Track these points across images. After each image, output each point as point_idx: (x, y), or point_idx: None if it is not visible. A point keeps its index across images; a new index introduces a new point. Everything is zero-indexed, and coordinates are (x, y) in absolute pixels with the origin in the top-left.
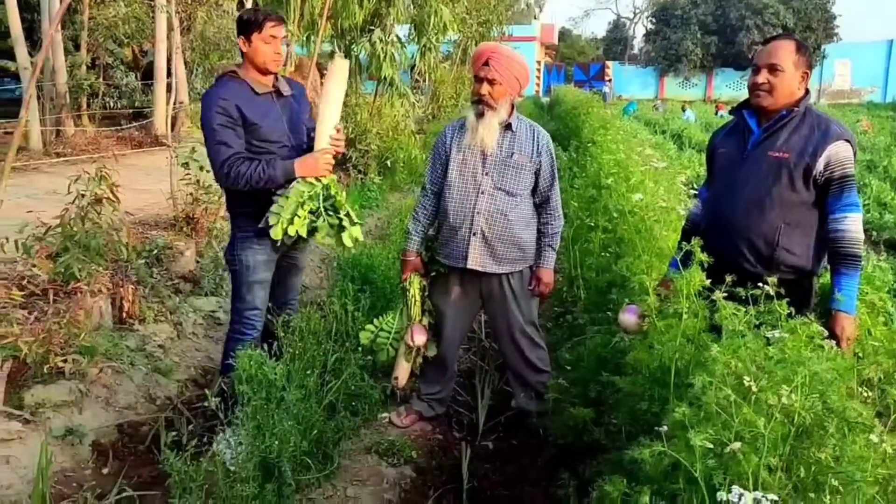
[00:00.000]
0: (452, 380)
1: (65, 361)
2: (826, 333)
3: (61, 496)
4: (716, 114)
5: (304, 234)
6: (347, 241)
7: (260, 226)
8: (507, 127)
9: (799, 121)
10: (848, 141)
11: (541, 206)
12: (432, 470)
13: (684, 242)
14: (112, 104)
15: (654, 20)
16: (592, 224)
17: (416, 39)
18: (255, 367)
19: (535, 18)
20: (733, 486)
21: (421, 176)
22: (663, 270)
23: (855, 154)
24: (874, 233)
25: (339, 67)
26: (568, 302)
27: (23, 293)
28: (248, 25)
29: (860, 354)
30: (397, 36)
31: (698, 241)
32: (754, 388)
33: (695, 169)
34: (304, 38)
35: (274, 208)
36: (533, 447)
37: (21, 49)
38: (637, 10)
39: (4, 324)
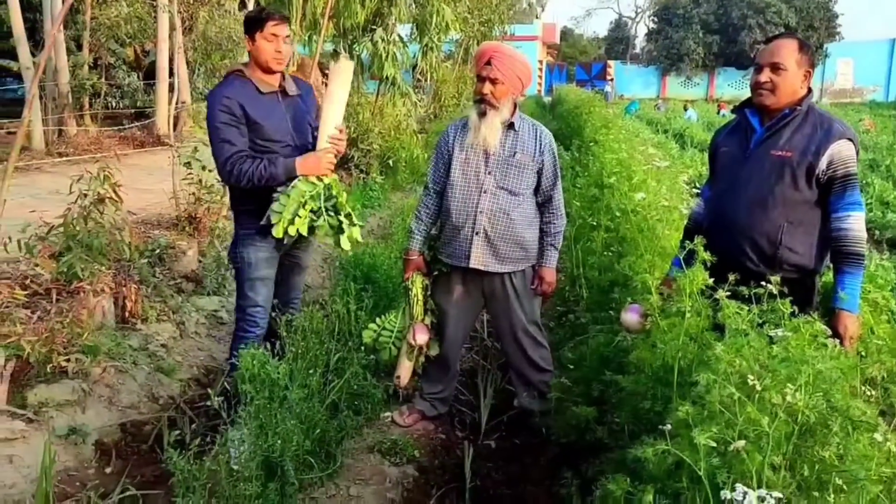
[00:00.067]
0: (455, 379)
1: (68, 361)
2: (829, 332)
3: (65, 495)
4: (718, 113)
5: (305, 233)
6: (345, 244)
7: (262, 223)
8: (510, 126)
9: (801, 119)
10: (850, 140)
11: (543, 205)
12: (435, 469)
13: (687, 241)
14: (114, 104)
15: (655, 19)
16: (595, 223)
17: (417, 39)
18: (258, 366)
19: (536, 18)
20: (737, 485)
21: (423, 175)
22: (666, 269)
23: (857, 153)
24: (877, 232)
25: (344, 68)
26: (570, 301)
27: (26, 293)
28: (251, 24)
29: (863, 353)
30: (399, 35)
31: (701, 240)
32: (758, 387)
33: (697, 168)
34: (306, 38)
35: (275, 206)
36: (536, 446)
37: (23, 49)
38: (639, 10)
39: (8, 323)
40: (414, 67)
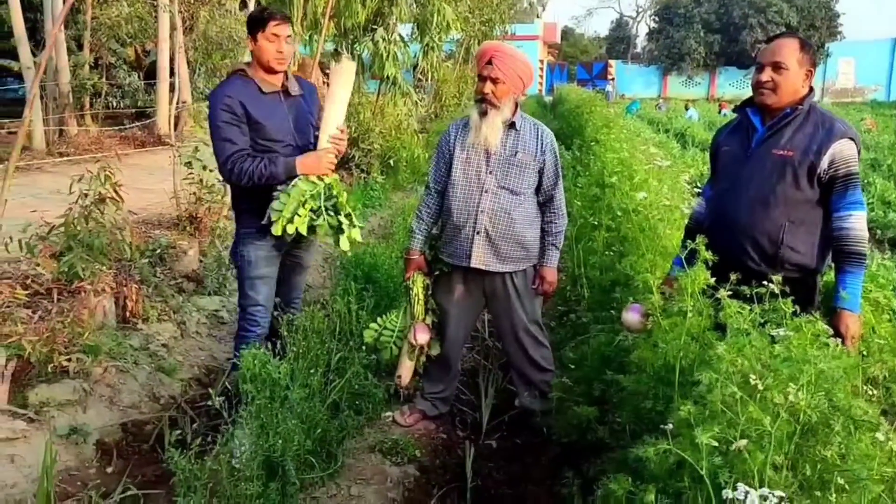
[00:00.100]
0: (456, 379)
1: (69, 360)
2: (831, 332)
3: (66, 495)
4: (719, 112)
5: (304, 232)
6: (344, 244)
7: (262, 222)
8: (511, 126)
9: (803, 119)
10: (852, 139)
11: (544, 204)
12: (436, 469)
13: (688, 241)
14: (115, 104)
15: (657, 19)
16: (596, 223)
17: (418, 38)
18: (259, 365)
19: (537, 17)
20: (739, 484)
21: (424, 175)
22: (667, 269)
23: (859, 152)
24: (878, 231)
25: (346, 69)
26: (571, 301)
27: (27, 292)
28: (253, 24)
29: (865, 353)
30: (400, 35)
31: (703, 240)
32: (760, 387)
33: (698, 167)
34: (307, 38)
35: (275, 204)
36: (537, 446)
37: (24, 49)
38: (640, 9)
39: (9, 323)
40: (415, 67)
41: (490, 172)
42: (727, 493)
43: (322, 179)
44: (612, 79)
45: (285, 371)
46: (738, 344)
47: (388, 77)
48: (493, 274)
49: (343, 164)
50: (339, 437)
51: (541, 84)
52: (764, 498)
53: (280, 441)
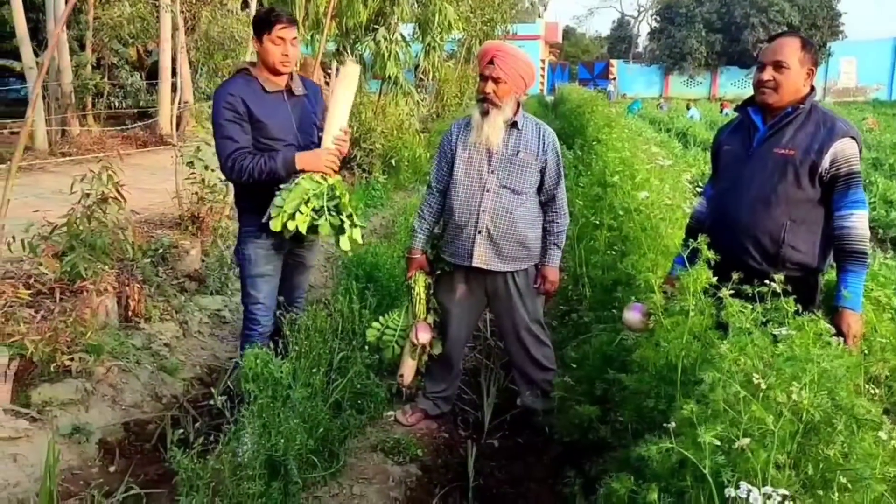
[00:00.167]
0: (458, 378)
1: (71, 360)
2: (833, 330)
3: (68, 494)
4: (721, 112)
5: (304, 231)
6: (344, 244)
7: (263, 220)
8: (513, 125)
9: (804, 118)
10: (854, 138)
11: (546, 204)
12: (438, 468)
13: (690, 240)
14: (117, 104)
15: (658, 18)
16: (598, 222)
17: (420, 38)
18: (261, 365)
19: (539, 17)
20: (742, 483)
21: (425, 174)
22: (669, 268)
23: (860, 151)
24: (880, 231)
25: (351, 72)
26: (573, 300)
27: (29, 292)
28: (259, 26)
29: (866, 351)
30: (402, 35)
31: (705, 239)
32: (763, 385)
33: (700, 167)
34: (309, 38)
35: (276, 201)
36: (539, 445)
37: (26, 49)
38: (641, 9)
39: (11, 322)
40: (416, 67)
41: (492, 172)
42: (730, 492)
43: (325, 179)
44: (614, 78)
45: (287, 370)
46: (740, 343)
47: (389, 77)
48: (495, 273)
49: (345, 163)
50: (342, 436)
51: (542, 84)
52: (767, 496)
53: (282, 440)
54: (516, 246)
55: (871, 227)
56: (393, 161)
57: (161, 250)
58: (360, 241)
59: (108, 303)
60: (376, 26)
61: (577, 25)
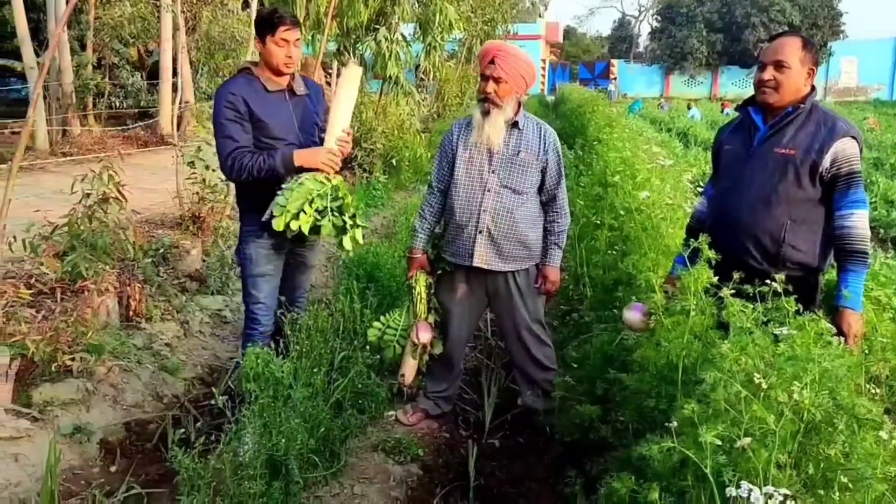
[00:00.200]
0: (459, 378)
1: (72, 360)
2: (834, 330)
3: (70, 494)
4: (721, 112)
5: (307, 231)
6: (347, 244)
7: (263, 219)
8: (514, 125)
9: (805, 117)
10: (854, 137)
11: (547, 204)
12: (439, 468)
13: (692, 240)
14: (118, 104)
15: (659, 18)
16: (599, 222)
17: (421, 38)
18: (262, 364)
19: (539, 17)
20: (743, 482)
21: (426, 174)
22: (669, 268)
23: (861, 151)
24: (881, 230)
25: (353, 73)
26: (574, 300)
27: (30, 292)
28: (263, 27)
29: (867, 351)
30: (402, 35)
31: (706, 238)
32: (764, 385)
33: (701, 167)
34: (310, 37)
35: (280, 200)
36: (539, 445)
37: (27, 49)
38: (642, 8)
39: (13, 322)
40: (417, 67)
41: (493, 171)
42: (731, 492)
43: (329, 180)
44: (615, 78)
45: (288, 370)
46: (741, 342)
47: (390, 77)
48: (496, 273)
49: (346, 163)
50: (343, 436)
51: (543, 83)
52: (769, 496)
53: (283, 440)
54: (517, 246)
55: (872, 227)
56: (394, 161)
57: (162, 250)
58: (360, 241)
59: (109, 303)
60: (377, 26)
61: (578, 25)
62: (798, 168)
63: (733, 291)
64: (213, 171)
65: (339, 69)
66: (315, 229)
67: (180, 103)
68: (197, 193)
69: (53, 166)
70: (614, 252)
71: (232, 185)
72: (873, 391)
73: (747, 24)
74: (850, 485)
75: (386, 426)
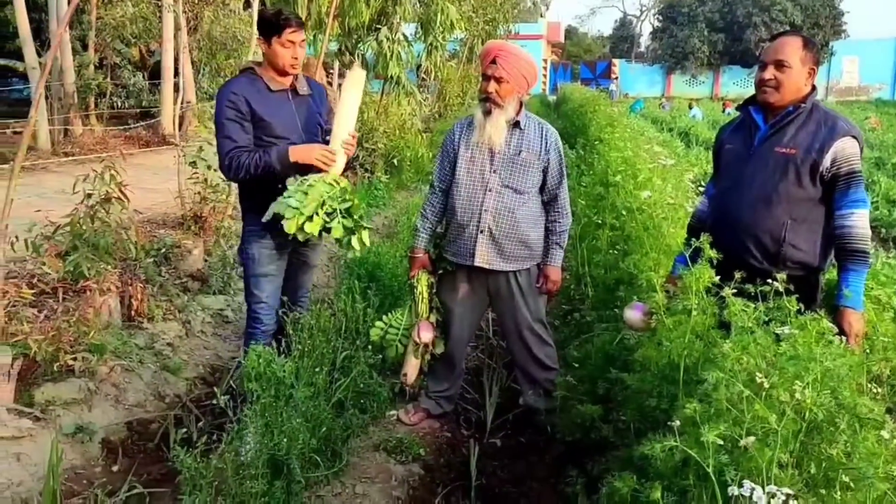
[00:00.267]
0: (460, 377)
1: (74, 359)
2: (835, 329)
3: (72, 493)
4: (723, 111)
5: (316, 234)
6: (356, 245)
7: (263, 219)
8: (516, 125)
9: (806, 117)
10: (855, 137)
11: (549, 203)
12: (440, 467)
13: (693, 239)
14: (120, 104)
15: (660, 18)
16: (600, 221)
17: (422, 38)
18: (264, 364)
19: (541, 16)
20: (745, 482)
21: (427, 174)
22: (671, 267)
23: (862, 150)
24: (883, 230)
25: (357, 76)
26: (575, 299)
27: (33, 292)
28: (267, 28)
29: (868, 350)
30: (404, 34)
31: (707, 238)
32: (766, 385)
33: (702, 166)
34: (312, 38)
35: (291, 202)
36: (541, 444)
37: (29, 49)
38: (644, 8)
39: (15, 322)
40: (418, 66)
41: (494, 171)
42: (733, 491)
43: (338, 182)
44: (616, 78)
45: (290, 370)
46: (742, 342)
47: (391, 77)
48: (497, 273)
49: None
50: (344, 435)
51: (544, 83)
52: (772, 495)
53: (285, 439)
54: (518, 245)
55: (873, 227)
56: (395, 161)
57: (164, 250)
58: (368, 242)
59: (111, 302)
60: (378, 26)
61: (580, 25)
62: (798, 167)
63: (735, 291)
64: (215, 170)
65: (340, 69)
66: (324, 231)
67: (182, 103)
68: (199, 193)
69: (55, 166)
70: (616, 252)
71: (234, 185)
72: (875, 391)
73: (749, 24)
74: (851, 484)
75: (388, 426)
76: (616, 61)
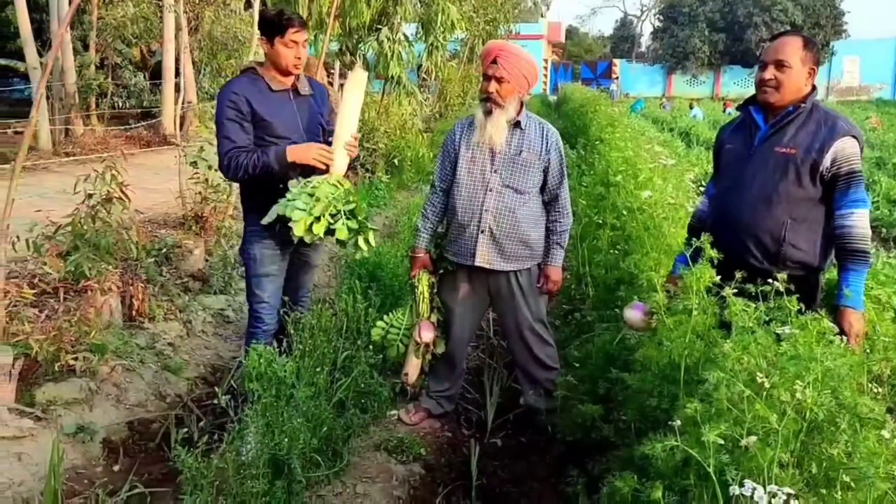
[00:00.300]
0: (461, 377)
1: (75, 359)
2: (836, 329)
3: (73, 493)
4: (724, 111)
5: (321, 234)
6: (363, 245)
7: (263, 222)
8: (517, 125)
9: (806, 117)
10: (855, 137)
11: (549, 203)
12: (441, 467)
13: (693, 239)
14: (120, 104)
15: (661, 17)
16: (601, 221)
17: (423, 38)
18: (265, 364)
19: (541, 16)
20: (746, 481)
21: (428, 174)
22: (671, 267)
23: (862, 150)
24: (883, 230)
25: (359, 78)
26: (576, 299)
27: (34, 291)
28: (270, 28)
29: (868, 350)
30: (405, 34)
31: (708, 238)
32: (766, 384)
33: (703, 166)
34: (312, 37)
35: (297, 204)
36: (542, 444)
37: (30, 49)
38: (644, 8)
39: (16, 322)
40: (419, 66)
41: (495, 171)
42: (734, 490)
43: (342, 183)
44: (617, 78)
45: (291, 369)
46: (743, 342)
47: (392, 77)
48: (498, 273)
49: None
50: (345, 435)
51: (545, 83)
52: (773, 495)
53: (286, 439)
54: (519, 245)
55: (874, 227)
56: (396, 161)
57: (165, 250)
58: (374, 243)
59: (112, 302)
60: (379, 26)
61: (580, 25)
62: (798, 167)
63: (735, 291)
64: (216, 171)
65: (341, 69)
66: (329, 232)
67: (183, 103)
68: (199, 193)
69: (56, 166)
70: (616, 251)
71: (235, 186)
72: (875, 390)
73: (749, 24)
74: (852, 484)
75: (388, 425)
76: (617, 61)
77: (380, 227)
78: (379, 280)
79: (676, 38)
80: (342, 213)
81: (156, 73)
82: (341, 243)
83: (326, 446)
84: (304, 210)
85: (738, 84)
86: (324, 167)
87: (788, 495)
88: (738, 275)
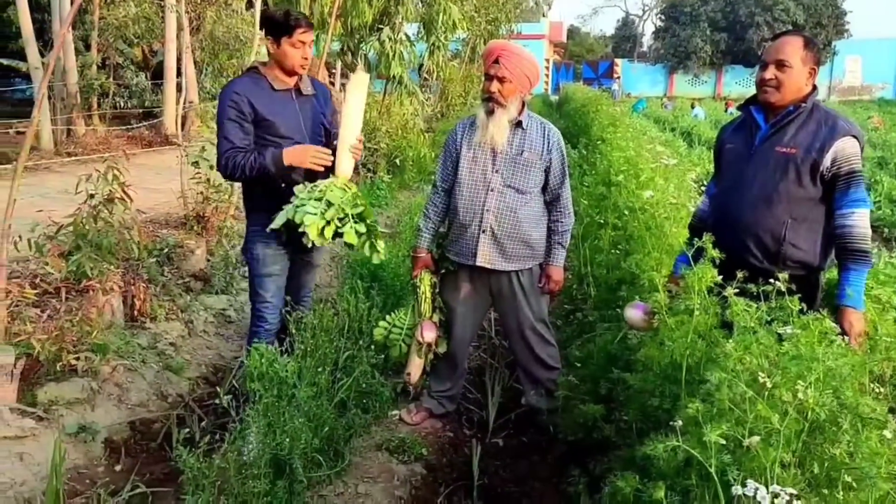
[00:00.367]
0: (463, 377)
1: (77, 359)
2: (837, 329)
3: (74, 493)
4: (725, 111)
5: (329, 238)
6: (379, 249)
7: (268, 229)
8: (518, 125)
9: (806, 116)
10: (855, 137)
11: (551, 203)
12: (443, 467)
13: (695, 238)
14: (122, 104)
15: (663, 17)
16: (602, 221)
17: (424, 38)
18: (266, 364)
19: (543, 16)
20: (749, 481)
21: (430, 174)
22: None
23: (862, 150)
24: (885, 230)
25: (361, 80)
26: (578, 299)
27: (35, 291)
28: (277, 28)
29: (869, 350)
30: (406, 34)
31: (710, 237)
32: (768, 384)
33: (704, 166)
34: (314, 38)
35: (308, 209)
36: (543, 444)
37: (32, 49)
38: (646, 8)
39: (18, 322)
40: (421, 66)
41: (496, 171)
42: (736, 491)
43: (349, 187)
44: (618, 77)
45: (293, 369)
46: (745, 342)
47: (394, 76)
48: (500, 272)
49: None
50: (347, 435)
51: (547, 83)
52: (775, 495)
53: (287, 439)
54: (520, 245)
55: (876, 226)
56: (397, 160)
57: (166, 250)
58: (381, 250)
59: (113, 302)
60: (381, 26)
61: (582, 25)
62: (799, 167)
63: (737, 290)
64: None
65: (342, 69)
66: (336, 235)
67: (184, 103)
68: (201, 193)
69: (58, 166)
70: (618, 251)
71: (237, 186)
72: (877, 390)
73: (751, 24)
74: (854, 484)
75: (390, 425)
76: (618, 61)
77: (381, 226)
78: (381, 280)
79: (678, 37)
80: (350, 216)
81: (157, 73)
82: (349, 246)
83: (328, 446)
84: (316, 214)
85: (739, 84)
86: (321, 169)
87: (790, 495)
88: (740, 274)
